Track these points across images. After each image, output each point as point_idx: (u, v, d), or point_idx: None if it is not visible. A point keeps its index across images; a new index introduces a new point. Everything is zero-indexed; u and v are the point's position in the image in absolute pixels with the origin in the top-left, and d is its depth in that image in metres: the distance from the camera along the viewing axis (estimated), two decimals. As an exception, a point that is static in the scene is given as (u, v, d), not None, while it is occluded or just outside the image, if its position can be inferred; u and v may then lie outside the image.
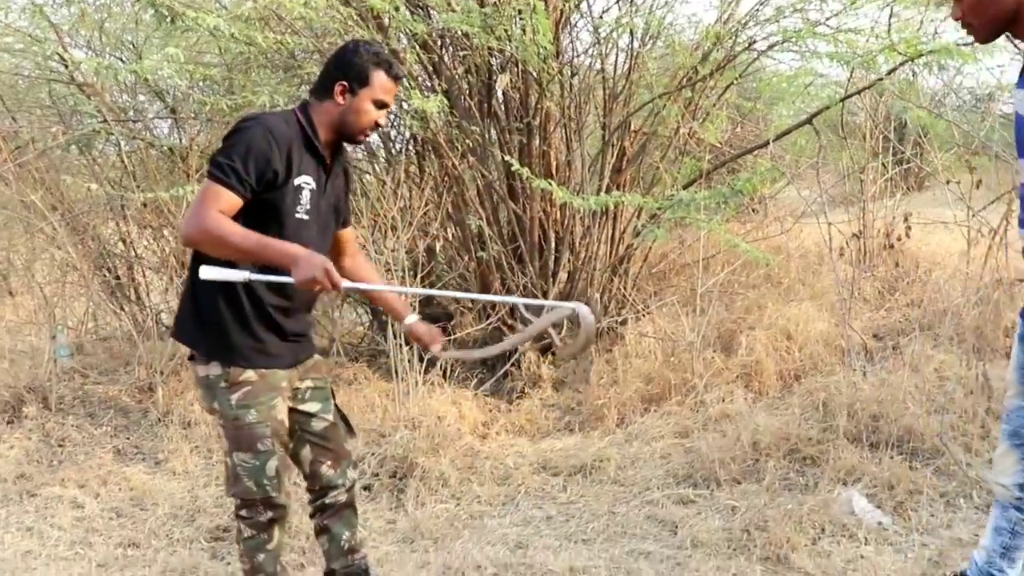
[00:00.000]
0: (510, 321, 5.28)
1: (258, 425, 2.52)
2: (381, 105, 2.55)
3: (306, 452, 2.76)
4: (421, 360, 4.73)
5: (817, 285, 5.84)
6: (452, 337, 5.31)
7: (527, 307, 2.79)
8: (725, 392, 4.60)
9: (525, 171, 4.32)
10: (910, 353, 4.61)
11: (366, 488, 4.14)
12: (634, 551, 3.40)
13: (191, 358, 2.60)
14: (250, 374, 2.52)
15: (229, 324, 2.50)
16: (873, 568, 3.10)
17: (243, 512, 2.62)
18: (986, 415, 4.04)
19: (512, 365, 5.25)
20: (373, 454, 4.26)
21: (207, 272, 2.35)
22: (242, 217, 2.37)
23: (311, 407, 2.76)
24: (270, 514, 2.61)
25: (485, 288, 5.33)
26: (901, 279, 5.99)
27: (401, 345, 4.65)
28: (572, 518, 3.76)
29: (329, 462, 2.79)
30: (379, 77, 2.51)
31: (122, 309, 6.34)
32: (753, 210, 7.46)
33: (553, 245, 5.41)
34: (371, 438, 4.42)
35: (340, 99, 2.51)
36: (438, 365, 4.90)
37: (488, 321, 5.19)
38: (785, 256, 6.28)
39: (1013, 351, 2.52)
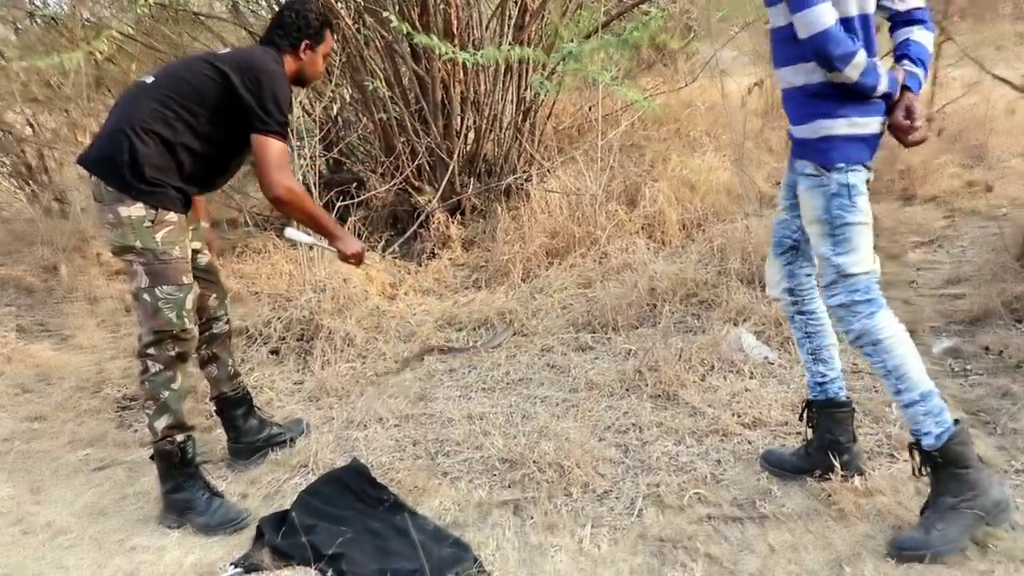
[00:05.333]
0: (416, 183, 5.26)
1: (182, 260, 2.79)
2: (326, 56, 3.08)
3: (196, 287, 2.98)
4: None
5: (723, 137, 5.87)
6: (361, 199, 5.27)
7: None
8: (628, 243, 4.67)
9: (405, 27, 4.20)
10: (806, 197, 4.70)
11: (274, 352, 4.18)
12: (531, 396, 3.50)
13: (102, 200, 2.72)
14: (172, 216, 2.76)
15: (167, 177, 2.74)
16: (756, 399, 3.24)
17: (151, 350, 2.80)
18: (872, 251, 4.15)
19: (421, 227, 5.25)
20: (279, 318, 4.27)
21: (291, 233, 3.11)
22: (227, 127, 2.76)
23: (195, 245, 3.02)
24: (177, 349, 2.81)
25: (389, 149, 5.27)
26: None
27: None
28: (474, 369, 3.85)
29: (214, 295, 3.10)
30: (329, 35, 3.03)
31: (22, 190, 6.17)
32: (664, 64, 7.40)
33: (458, 105, 5.34)
34: (277, 303, 4.42)
35: (303, 55, 2.95)
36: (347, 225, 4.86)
37: (393, 183, 5.16)
38: (691, 110, 6.28)
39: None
